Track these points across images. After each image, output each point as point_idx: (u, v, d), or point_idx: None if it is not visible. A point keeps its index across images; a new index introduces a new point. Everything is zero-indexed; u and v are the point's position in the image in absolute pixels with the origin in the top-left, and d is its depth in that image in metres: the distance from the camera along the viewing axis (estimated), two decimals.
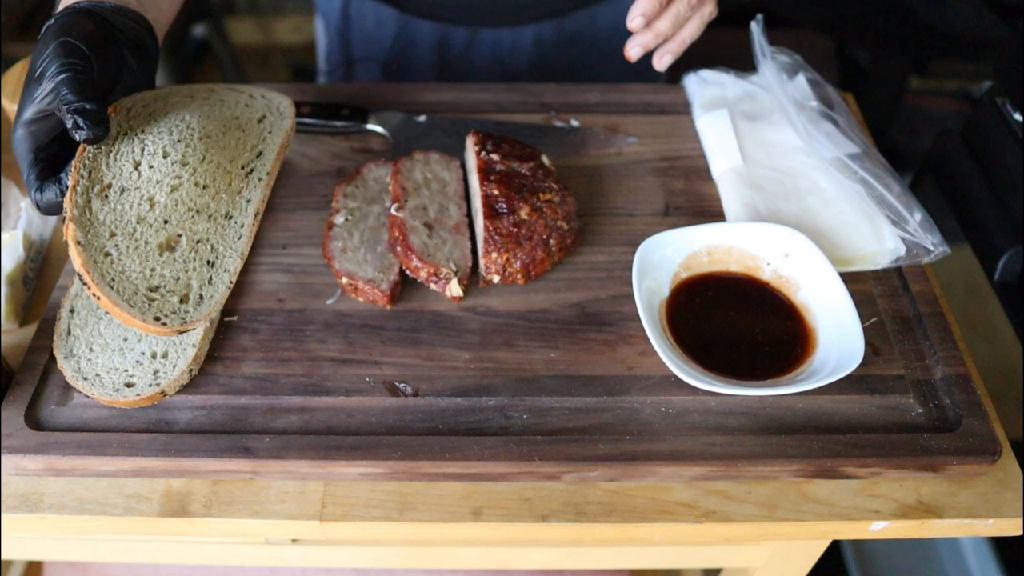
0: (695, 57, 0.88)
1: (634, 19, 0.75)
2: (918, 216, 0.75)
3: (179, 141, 0.66)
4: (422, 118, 0.88)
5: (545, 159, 0.78)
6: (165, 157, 0.64)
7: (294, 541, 0.75)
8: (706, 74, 0.92)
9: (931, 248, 0.74)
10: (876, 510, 0.62)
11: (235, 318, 0.70)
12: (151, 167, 0.64)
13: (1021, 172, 0.86)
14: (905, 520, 0.61)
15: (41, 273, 0.77)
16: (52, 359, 0.67)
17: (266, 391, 0.66)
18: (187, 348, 0.65)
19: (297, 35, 2.67)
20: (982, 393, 0.66)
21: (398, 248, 0.72)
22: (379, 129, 0.87)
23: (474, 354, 0.68)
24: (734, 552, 0.78)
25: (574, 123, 0.90)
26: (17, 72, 0.86)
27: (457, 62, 1.11)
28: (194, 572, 0.99)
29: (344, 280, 0.72)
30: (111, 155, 0.63)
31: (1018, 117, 0.89)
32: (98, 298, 0.58)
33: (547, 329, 0.71)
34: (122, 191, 0.62)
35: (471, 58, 1.10)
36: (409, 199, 0.76)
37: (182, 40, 2.04)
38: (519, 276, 0.73)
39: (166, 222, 0.62)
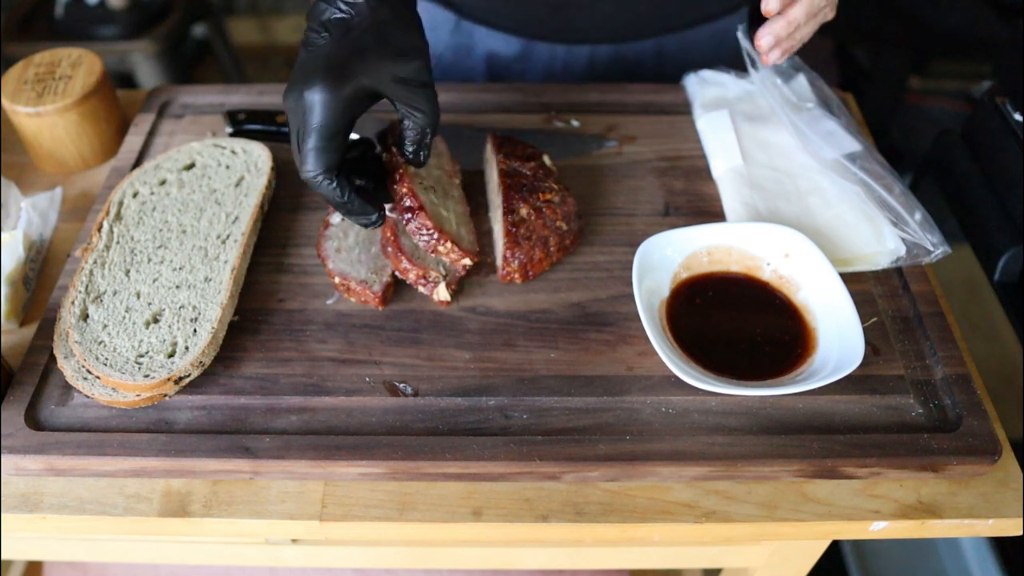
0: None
1: (770, 2, 0.68)
2: (918, 216, 0.75)
3: (160, 247, 0.72)
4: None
5: (546, 159, 0.79)
6: (149, 262, 0.71)
7: (294, 541, 0.75)
8: (706, 74, 0.92)
9: (931, 248, 0.74)
10: (876, 510, 0.62)
11: (235, 318, 0.70)
12: (138, 272, 0.70)
13: (1021, 172, 0.86)
14: (905, 520, 0.61)
15: (41, 273, 0.77)
16: (52, 359, 0.67)
17: (266, 391, 0.66)
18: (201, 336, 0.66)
19: (297, 35, 2.66)
20: (982, 393, 0.66)
21: (388, 249, 0.72)
22: (356, 137, 0.85)
23: (474, 354, 0.68)
24: (734, 552, 0.78)
25: (575, 123, 0.90)
26: (17, 72, 0.86)
27: (506, 74, 1.07)
28: (194, 572, 0.99)
29: (337, 280, 0.72)
30: (105, 266, 0.70)
31: (1018, 117, 0.89)
32: (90, 371, 0.64)
33: (547, 329, 0.71)
34: (114, 293, 0.69)
35: (521, 73, 1.06)
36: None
37: (182, 40, 2.04)
38: (516, 275, 0.73)
39: (150, 304, 0.68)
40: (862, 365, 0.64)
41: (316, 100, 0.61)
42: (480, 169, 0.84)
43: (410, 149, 0.68)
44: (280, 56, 2.64)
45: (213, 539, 0.74)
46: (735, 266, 0.74)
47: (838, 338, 0.67)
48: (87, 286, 0.68)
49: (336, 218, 0.76)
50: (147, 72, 1.91)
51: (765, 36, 0.71)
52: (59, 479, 0.63)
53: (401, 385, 0.66)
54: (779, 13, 0.70)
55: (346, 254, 0.73)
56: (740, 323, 0.71)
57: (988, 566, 1.28)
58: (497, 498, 0.62)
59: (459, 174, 0.81)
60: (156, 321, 0.67)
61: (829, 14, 0.72)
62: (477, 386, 0.66)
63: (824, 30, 0.75)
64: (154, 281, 0.69)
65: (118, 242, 0.72)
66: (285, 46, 2.66)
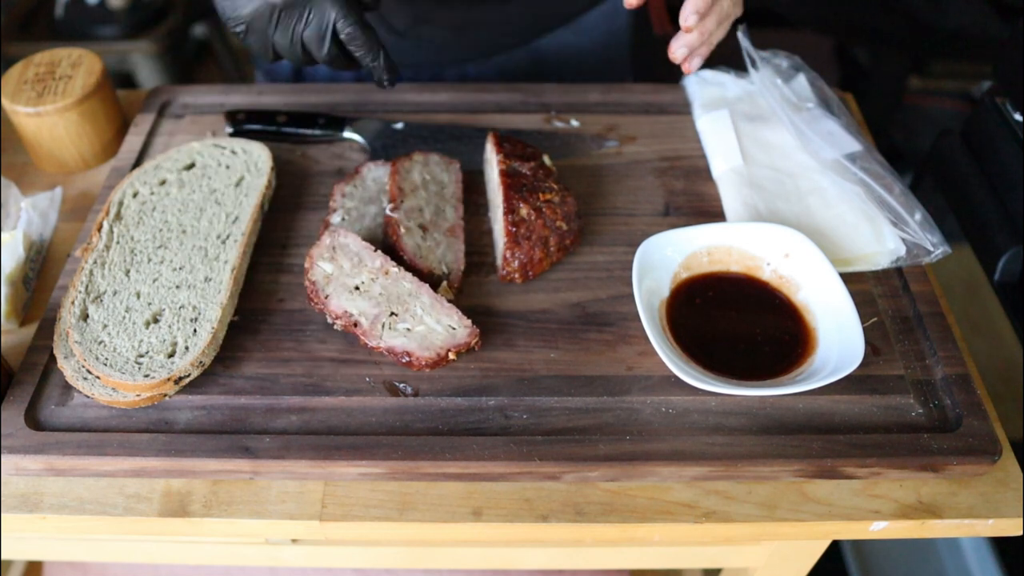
0: None
1: (688, 17, 0.71)
2: (918, 216, 0.75)
3: (160, 246, 0.72)
4: (399, 125, 0.87)
5: (546, 159, 0.79)
6: (149, 262, 0.71)
7: (294, 541, 0.75)
8: (706, 74, 0.92)
9: (931, 248, 0.74)
10: (876, 510, 0.62)
11: (235, 318, 0.70)
12: (138, 272, 0.70)
13: (1021, 172, 0.86)
14: (905, 520, 0.61)
15: (41, 273, 0.77)
16: (52, 359, 0.67)
17: (266, 391, 0.66)
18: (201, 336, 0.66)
19: None
20: (982, 393, 0.66)
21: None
22: (356, 137, 0.86)
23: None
24: (734, 552, 0.78)
25: (574, 123, 0.90)
26: (17, 72, 0.86)
27: None
28: (194, 572, 0.99)
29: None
30: (105, 266, 0.70)
31: (1018, 117, 0.89)
32: (90, 371, 0.64)
33: (547, 329, 0.71)
34: (114, 293, 0.69)
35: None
36: (406, 200, 0.76)
37: (182, 40, 2.04)
38: (516, 275, 0.73)
39: (150, 304, 0.68)
40: (862, 365, 0.64)
41: None
42: (480, 169, 0.84)
43: (378, 69, 0.73)
44: None
45: (213, 539, 0.74)
46: (735, 266, 0.74)
47: (838, 338, 0.67)
48: (87, 286, 0.68)
49: (336, 218, 0.76)
50: (147, 72, 1.91)
51: (679, 48, 0.73)
52: (59, 479, 0.63)
53: (401, 385, 0.66)
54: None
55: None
56: (740, 323, 0.71)
57: (988, 566, 1.28)
58: (497, 498, 0.62)
59: (460, 183, 0.80)
60: (156, 321, 0.67)
61: (737, 12, 0.75)
62: (477, 386, 0.66)
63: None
64: (154, 281, 0.69)
65: (118, 242, 0.72)
66: None
